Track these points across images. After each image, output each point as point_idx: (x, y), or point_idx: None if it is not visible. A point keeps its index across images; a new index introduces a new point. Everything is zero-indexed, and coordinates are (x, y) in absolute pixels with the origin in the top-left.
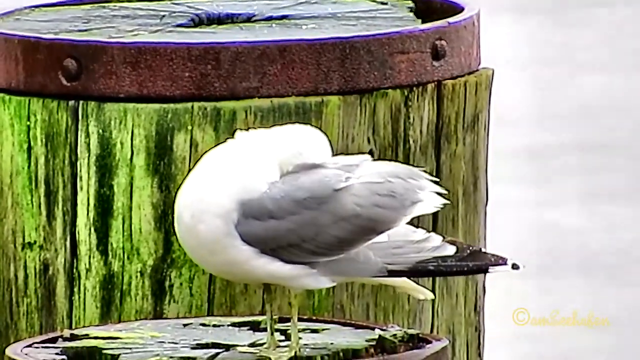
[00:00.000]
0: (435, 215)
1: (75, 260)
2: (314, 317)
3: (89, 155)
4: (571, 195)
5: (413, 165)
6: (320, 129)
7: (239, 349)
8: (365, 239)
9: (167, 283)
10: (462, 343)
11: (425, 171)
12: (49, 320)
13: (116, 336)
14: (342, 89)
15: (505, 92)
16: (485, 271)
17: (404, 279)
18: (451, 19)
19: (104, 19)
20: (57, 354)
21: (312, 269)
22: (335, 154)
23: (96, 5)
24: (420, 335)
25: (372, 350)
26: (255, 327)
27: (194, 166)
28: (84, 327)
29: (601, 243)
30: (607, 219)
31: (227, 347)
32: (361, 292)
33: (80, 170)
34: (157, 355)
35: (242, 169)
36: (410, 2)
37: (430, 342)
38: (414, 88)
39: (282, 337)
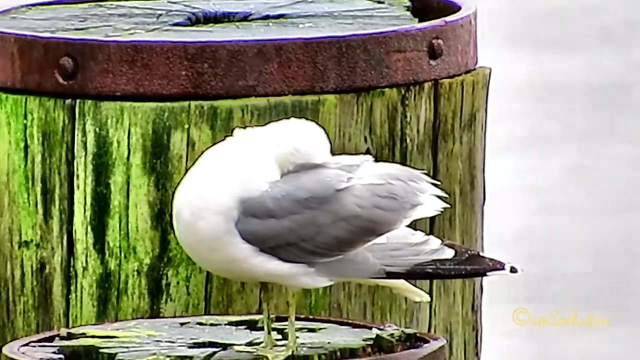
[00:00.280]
0: None
1: (71, 259)
2: (311, 316)
3: (85, 154)
4: None
5: (411, 166)
6: (318, 124)
7: (236, 348)
8: (364, 240)
9: (163, 282)
10: (460, 342)
11: (426, 174)
12: (46, 319)
13: (113, 335)
14: (339, 88)
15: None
16: (483, 275)
17: (401, 280)
18: (448, 18)
19: (101, 18)
20: (54, 352)
21: (309, 268)
22: (332, 152)
23: (93, 3)
24: (418, 334)
25: (369, 349)
26: (252, 326)
27: (193, 164)
28: (80, 325)
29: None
30: None
31: (224, 346)
32: (358, 291)
33: (77, 169)
34: (154, 354)
35: (241, 167)
36: (407, 0)
37: (427, 342)
38: (411, 87)
39: (279, 336)
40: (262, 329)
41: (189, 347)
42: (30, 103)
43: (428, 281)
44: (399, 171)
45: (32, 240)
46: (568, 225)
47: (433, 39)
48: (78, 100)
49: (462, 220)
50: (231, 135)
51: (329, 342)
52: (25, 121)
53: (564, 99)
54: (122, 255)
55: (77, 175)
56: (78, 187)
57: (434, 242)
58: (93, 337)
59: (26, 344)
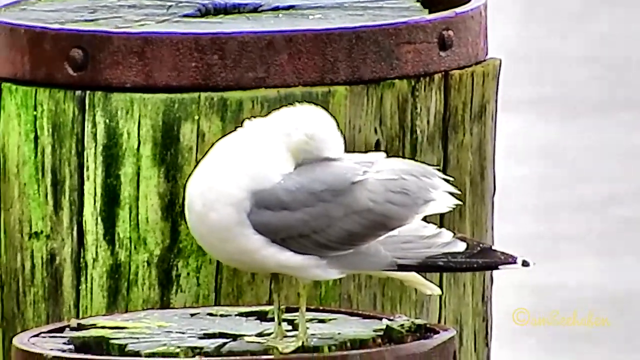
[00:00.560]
0: None
1: (82, 250)
2: (321, 307)
3: (95, 145)
4: None
5: (422, 160)
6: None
7: (246, 338)
8: (375, 234)
9: (174, 273)
10: (470, 333)
11: (438, 169)
12: (56, 310)
13: (123, 326)
14: (349, 79)
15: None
16: (495, 268)
17: (413, 273)
18: (458, 9)
19: (110, 9)
20: (64, 343)
21: (321, 260)
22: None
23: None
24: (428, 325)
25: (379, 340)
26: (262, 317)
27: (204, 155)
28: (90, 316)
29: None
30: None
31: (235, 337)
32: (368, 282)
33: (87, 160)
34: (164, 345)
35: (253, 158)
36: None
37: (437, 332)
38: (421, 78)
39: (289, 327)
40: (272, 319)
41: (199, 338)
42: (40, 95)
43: (438, 274)
44: (412, 167)
45: (42, 232)
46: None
47: (443, 30)
48: (88, 92)
49: (473, 211)
50: (241, 127)
51: (339, 333)
52: (35, 113)
53: None
54: (132, 246)
55: (87, 167)
56: (88, 179)
57: (446, 235)
58: (103, 328)
59: (36, 335)
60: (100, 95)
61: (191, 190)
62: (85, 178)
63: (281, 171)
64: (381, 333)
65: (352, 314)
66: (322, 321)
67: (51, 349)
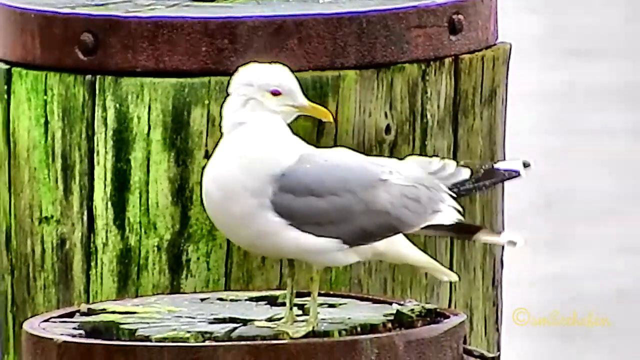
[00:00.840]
0: None
1: (92, 235)
2: (332, 292)
3: (105, 130)
4: None
5: (427, 159)
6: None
7: (256, 323)
8: (384, 235)
9: (184, 257)
10: (480, 317)
11: (445, 185)
12: (66, 295)
13: (133, 311)
14: (359, 64)
15: None
16: (502, 183)
17: (429, 259)
18: None
19: None
20: (74, 328)
21: (343, 244)
22: (352, 128)
23: None
24: (438, 309)
25: (389, 325)
26: (272, 301)
27: (218, 142)
28: (101, 301)
29: None
30: None
31: (245, 322)
32: (379, 266)
33: (97, 145)
34: (174, 329)
35: (266, 142)
36: None
37: (448, 317)
38: (431, 62)
39: (300, 312)
40: (282, 304)
41: (210, 323)
42: (50, 79)
43: (449, 258)
44: (423, 177)
45: (52, 216)
46: None
47: (453, 14)
48: (98, 76)
49: (483, 195)
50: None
51: (349, 318)
52: (45, 97)
53: None
54: (143, 231)
55: (97, 151)
56: (98, 163)
57: (450, 165)
58: (113, 312)
59: (47, 320)
60: (110, 80)
61: (209, 175)
62: (95, 163)
63: (298, 153)
64: (391, 318)
65: (362, 299)
66: (332, 306)
67: (61, 334)
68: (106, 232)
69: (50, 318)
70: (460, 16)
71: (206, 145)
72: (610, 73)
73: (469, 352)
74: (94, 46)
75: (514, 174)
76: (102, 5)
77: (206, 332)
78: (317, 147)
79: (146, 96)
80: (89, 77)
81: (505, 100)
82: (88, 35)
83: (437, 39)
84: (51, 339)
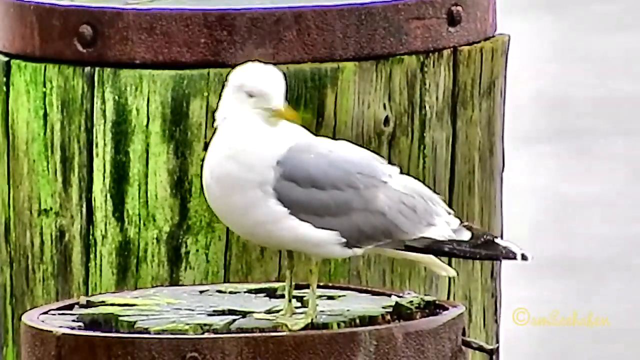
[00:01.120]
0: (451, 181)
1: (91, 227)
2: (331, 284)
3: (104, 122)
4: None
5: (433, 141)
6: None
7: (255, 315)
8: (379, 240)
9: (183, 250)
10: (479, 309)
11: (443, 200)
12: (65, 287)
13: (132, 303)
14: (358, 55)
15: None
16: (496, 260)
17: (429, 254)
18: None
19: None
20: (73, 320)
21: (341, 237)
22: (351, 119)
23: None
24: (437, 301)
25: (388, 316)
26: (271, 293)
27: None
28: (100, 293)
29: None
30: None
31: (244, 314)
32: (377, 258)
33: (96, 137)
34: (174, 322)
35: (260, 131)
36: None
37: (446, 309)
38: (430, 54)
39: (298, 304)
40: (281, 296)
41: (209, 315)
42: (49, 71)
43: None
44: (422, 189)
45: (51, 209)
46: None
47: (452, 5)
48: (97, 68)
49: (482, 186)
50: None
51: (348, 310)
52: (44, 89)
53: None
54: (142, 223)
55: (97, 143)
56: (97, 155)
57: (453, 222)
58: (112, 305)
59: (46, 312)
60: (109, 72)
61: (211, 162)
62: (94, 155)
63: (293, 138)
64: (390, 309)
65: (361, 291)
66: (331, 298)
67: (60, 326)
68: (105, 224)
69: (49, 310)
70: (459, 8)
71: (205, 137)
72: None
73: (468, 344)
74: (93, 38)
75: (510, 256)
76: None
77: (205, 324)
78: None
79: (145, 88)
80: (88, 69)
81: (504, 91)
82: (87, 27)
83: (436, 31)
84: (50, 331)
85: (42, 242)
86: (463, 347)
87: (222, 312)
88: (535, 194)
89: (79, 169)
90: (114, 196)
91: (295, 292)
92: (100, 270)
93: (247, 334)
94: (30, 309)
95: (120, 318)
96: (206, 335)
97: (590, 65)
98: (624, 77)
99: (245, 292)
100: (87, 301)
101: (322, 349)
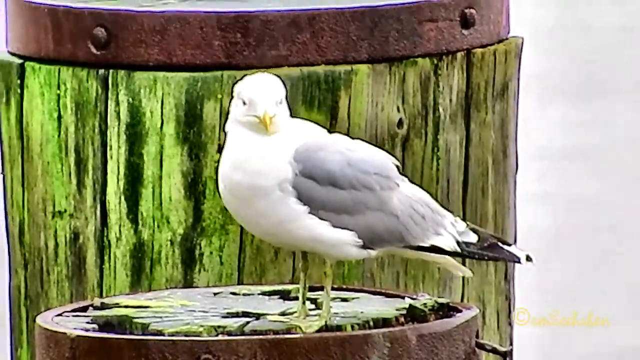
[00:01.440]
0: (465, 183)
1: (105, 229)
2: (344, 286)
3: (118, 124)
4: None
5: (447, 141)
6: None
7: (269, 317)
8: (390, 242)
9: (197, 252)
10: (493, 312)
11: (450, 212)
12: (79, 289)
13: (146, 305)
14: (372, 58)
15: None
16: (502, 261)
17: (446, 256)
18: None
19: None
20: (87, 322)
21: (357, 238)
22: (365, 122)
23: None
24: (451, 303)
25: (402, 319)
26: (285, 295)
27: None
28: (114, 295)
29: None
30: None
31: (257, 316)
32: (391, 260)
33: (110, 139)
34: (188, 324)
35: (290, 130)
36: None
37: (460, 311)
38: (443, 56)
39: (312, 306)
40: (294, 298)
41: (222, 317)
42: (63, 73)
43: (452, 256)
44: (430, 200)
45: (65, 210)
46: None
47: (465, 8)
48: (111, 71)
49: (495, 189)
50: None
51: (361, 312)
52: (58, 91)
53: None
54: (156, 225)
55: (111, 146)
56: (111, 157)
57: (460, 224)
58: (126, 307)
59: (60, 314)
60: (123, 74)
61: (222, 174)
62: (108, 157)
63: (304, 134)
64: (404, 312)
65: (375, 293)
66: (345, 300)
67: (74, 328)
68: (119, 226)
69: (64, 312)
70: (473, 10)
71: (219, 139)
72: None
73: (482, 346)
74: (107, 40)
75: (515, 259)
76: None
77: (219, 326)
78: None
79: (159, 90)
80: (101, 71)
81: (517, 94)
82: (101, 29)
83: (450, 33)
84: (64, 333)
85: (56, 244)
86: (476, 349)
87: (236, 314)
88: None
89: (93, 171)
90: (128, 198)
91: (309, 294)
92: (115, 272)
93: (260, 336)
94: (45, 311)
95: (134, 320)
96: (220, 337)
97: None
98: None
99: (259, 294)
100: (101, 303)
101: (336, 351)
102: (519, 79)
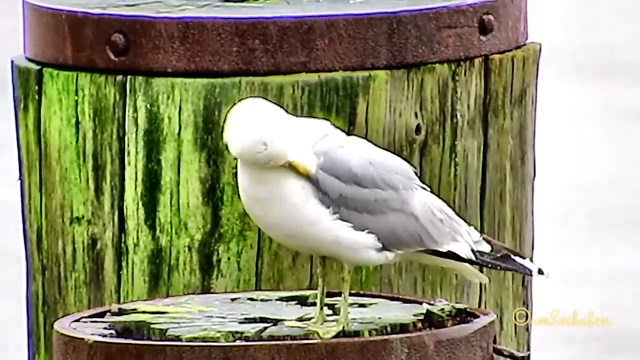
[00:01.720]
0: (483, 189)
1: (123, 235)
2: (362, 292)
3: (136, 130)
4: None
5: (464, 148)
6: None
7: (286, 323)
8: (410, 245)
9: (214, 257)
10: (510, 317)
11: (466, 221)
12: (97, 295)
13: (164, 311)
14: (390, 64)
15: None
16: (514, 272)
17: (462, 263)
18: None
19: None
20: (105, 328)
21: (378, 241)
22: (383, 128)
23: None
24: (468, 309)
25: (419, 324)
26: (303, 301)
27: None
28: (131, 301)
29: None
30: None
31: (275, 322)
32: (409, 266)
33: (128, 145)
34: (205, 329)
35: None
36: None
37: (478, 317)
38: (462, 62)
39: (330, 312)
40: (312, 304)
41: (240, 323)
42: (81, 79)
43: (469, 264)
44: (446, 207)
45: (83, 217)
46: None
47: (484, 14)
48: (129, 77)
49: (513, 195)
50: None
51: (379, 318)
52: (76, 97)
53: None
54: (173, 231)
55: (129, 152)
56: (129, 163)
57: (474, 234)
58: (144, 312)
59: (77, 320)
60: (141, 80)
61: (241, 187)
62: (126, 163)
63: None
64: (422, 317)
65: (392, 299)
66: (362, 306)
67: (92, 334)
68: (137, 232)
69: (81, 318)
70: (491, 16)
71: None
72: None
73: (499, 352)
74: (125, 47)
75: (526, 272)
76: (133, 5)
77: (237, 332)
78: None
79: (177, 96)
80: (120, 77)
81: (535, 100)
82: (119, 35)
83: (468, 39)
84: (82, 338)
85: (74, 250)
86: (494, 355)
87: (254, 320)
88: None
89: (110, 177)
90: (145, 204)
91: (327, 300)
92: (132, 278)
93: (278, 342)
94: (62, 317)
95: (152, 326)
96: (237, 343)
97: None
98: None
99: (276, 299)
100: (119, 309)
101: (354, 357)
102: (537, 85)
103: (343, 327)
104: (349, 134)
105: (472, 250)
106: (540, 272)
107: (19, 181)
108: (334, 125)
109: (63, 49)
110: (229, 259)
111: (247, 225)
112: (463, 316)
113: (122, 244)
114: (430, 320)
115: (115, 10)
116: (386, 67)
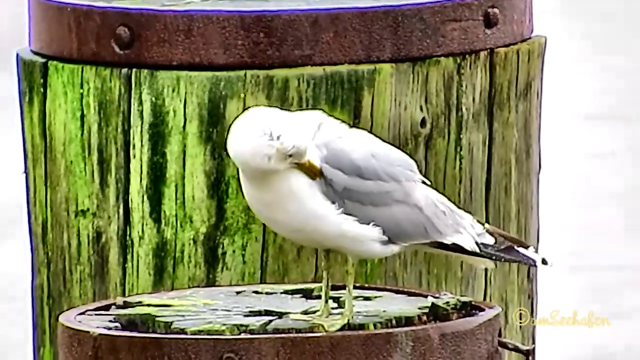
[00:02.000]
0: (488, 182)
1: (128, 228)
2: (367, 285)
3: (141, 123)
4: None
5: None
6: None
7: (291, 316)
8: (415, 237)
9: (219, 250)
10: (515, 310)
11: (469, 213)
12: (102, 288)
13: (169, 304)
14: (395, 57)
15: None
16: (518, 263)
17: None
18: None
19: None
20: (110, 321)
21: (382, 234)
22: (388, 121)
23: None
24: (473, 302)
25: (424, 317)
26: (307, 294)
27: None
28: (136, 294)
29: None
30: None
31: (280, 315)
32: (414, 259)
33: (133, 138)
34: (210, 322)
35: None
36: None
37: (483, 310)
38: (467, 56)
39: (335, 305)
40: (317, 297)
41: (245, 316)
42: (86, 72)
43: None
44: (447, 201)
45: (88, 209)
46: None
47: (489, 7)
48: (134, 70)
49: (518, 188)
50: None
51: (384, 311)
52: (81, 90)
53: None
54: (178, 224)
55: (134, 145)
56: (134, 156)
57: (478, 226)
58: (149, 305)
59: (83, 313)
60: (146, 73)
61: (245, 192)
62: (131, 156)
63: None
64: (426, 310)
65: (397, 292)
66: (367, 299)
67: (97, 327)
68: (142, 225)
69: (86, 311)
70: (496, 10)
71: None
72: None
73: (504, 345)
74: (130, 40)
75: (530, 262)
76: None
77: (242, 325)
78: None
79: (182, 89)
80: (125, 70)
81: (540, 93)
82: (124, 28)
83: (473, 33)
84: (87, 331)
85: (79, 243)
86: (499, 348)
87: (259, 313)
88: None
89: (116, 170)
90: (151, 197)
91: (331, 293)
92: (137, 271)
93: (283, 335)
94: (67, 310)
95: (157, 319)
96: (243, 335)
97: None
98: None
99: (281, 293)
100: (124, 302)
101: (359, 350)
102: (542, 79)
103: (348, 320)
104: (353, 127)
105: (476, 243)
106: (544, 262)
107: (24, 174)
108: (327, 114)
109: (68, 42)
110: (234, 252)
111: (252, 219)
112: (468, 309)
113: (127, 237)
114: (435, 313)
115: (120, 4)
116: (391, 61)
